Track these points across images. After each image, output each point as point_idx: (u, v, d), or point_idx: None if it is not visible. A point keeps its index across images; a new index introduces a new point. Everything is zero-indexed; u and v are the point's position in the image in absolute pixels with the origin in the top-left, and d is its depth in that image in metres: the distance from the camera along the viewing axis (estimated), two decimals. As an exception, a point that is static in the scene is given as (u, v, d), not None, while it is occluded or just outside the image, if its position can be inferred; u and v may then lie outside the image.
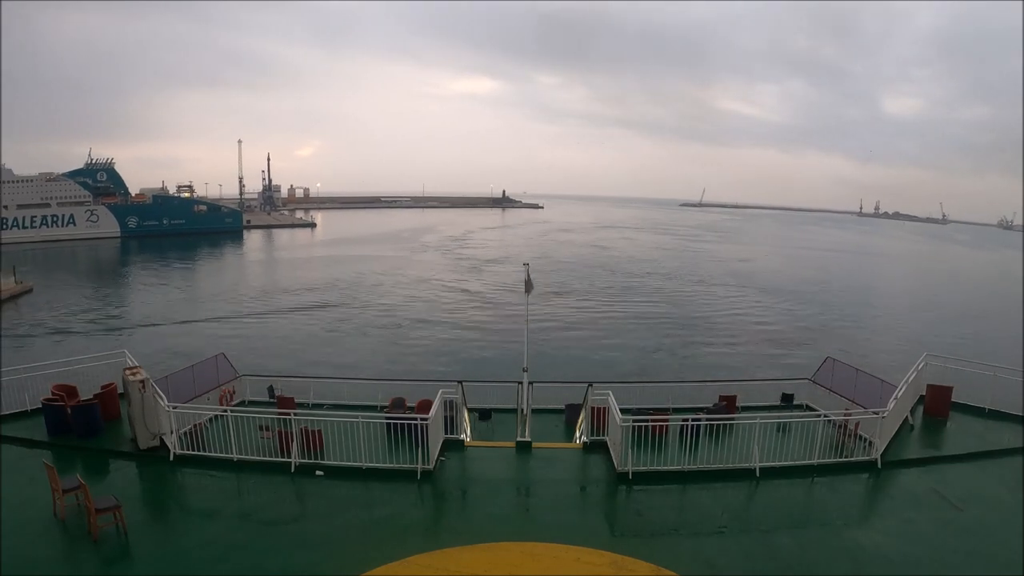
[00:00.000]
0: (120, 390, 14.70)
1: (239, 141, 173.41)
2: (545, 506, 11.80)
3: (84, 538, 9.85)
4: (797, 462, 12.76)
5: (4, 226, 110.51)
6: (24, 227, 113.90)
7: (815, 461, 12.84)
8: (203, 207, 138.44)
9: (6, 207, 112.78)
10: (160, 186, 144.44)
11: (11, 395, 15.09)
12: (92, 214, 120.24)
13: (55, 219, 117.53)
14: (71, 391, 15.09)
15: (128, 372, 13.47)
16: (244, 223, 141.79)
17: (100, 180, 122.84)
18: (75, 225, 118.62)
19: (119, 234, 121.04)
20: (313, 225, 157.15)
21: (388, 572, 9.16)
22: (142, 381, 13.14)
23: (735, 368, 39.93)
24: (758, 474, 12.57)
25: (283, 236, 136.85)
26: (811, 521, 11.36)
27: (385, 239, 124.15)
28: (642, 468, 12.53)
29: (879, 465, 13.06)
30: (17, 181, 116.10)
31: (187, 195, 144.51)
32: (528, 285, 16.36)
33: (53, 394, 14.65)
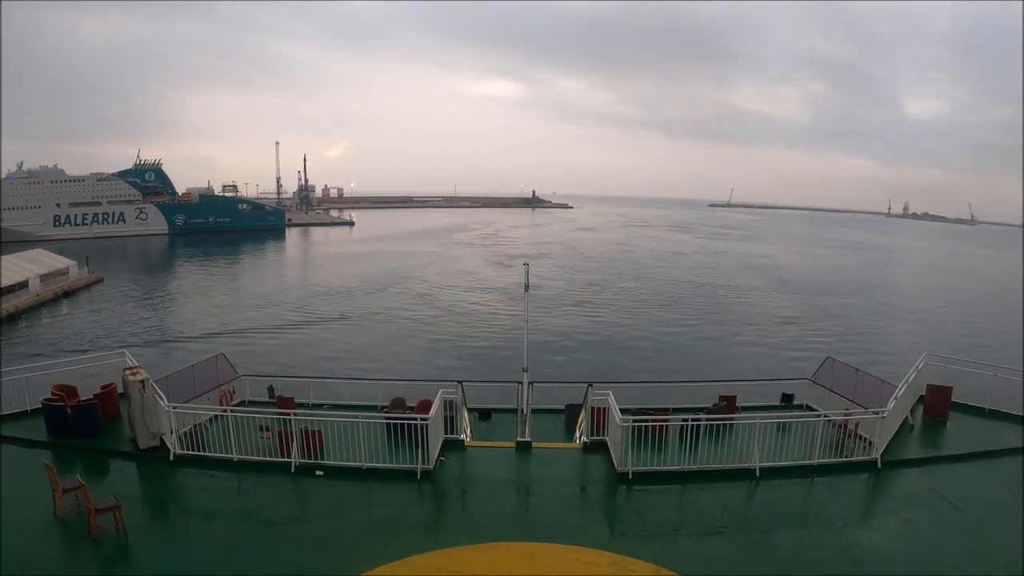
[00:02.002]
0: (120, 390, 14.71)
1: (276, 143, 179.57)
2: (545, 506, 11.80)
3: (84, 538, 9.85)
4: (797, 462, 12.75)
5: (57, 223, 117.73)
6: (76, 224, 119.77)
7: (815, 461, 12.83)
8: (247, 206, 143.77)
9: (58, 205, 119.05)
10: (206, 185, 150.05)
11: (11, 395, 15.10)
12: (141, 212, 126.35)
13: (106, 216, 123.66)
14: (71, 391, 15.08)
15: (128, 372, 13.47)
16: (286, 221, 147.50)
17: (148, 180, 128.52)
18: (125, 222, 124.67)
19: (167, 231, 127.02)
20: (351, 223, 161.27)
21: (388, 572, 9.16)
22: (142, 381, 13.14)
23: (737, 364, 40.34)
24: (758, 474, 12.56)
25: (324, 234, 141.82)
26: (811, 521, 11.34)
27: (422, 237, 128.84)
28: (642, 468, 12.53)
29: (879, 465, 13.06)
30: (69, 181, 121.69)
31: (231, 194, 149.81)
32: (527, 285, 16.37)
33: (53, 394, 14.64)
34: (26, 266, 60.61)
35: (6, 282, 54.59)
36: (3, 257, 59.38)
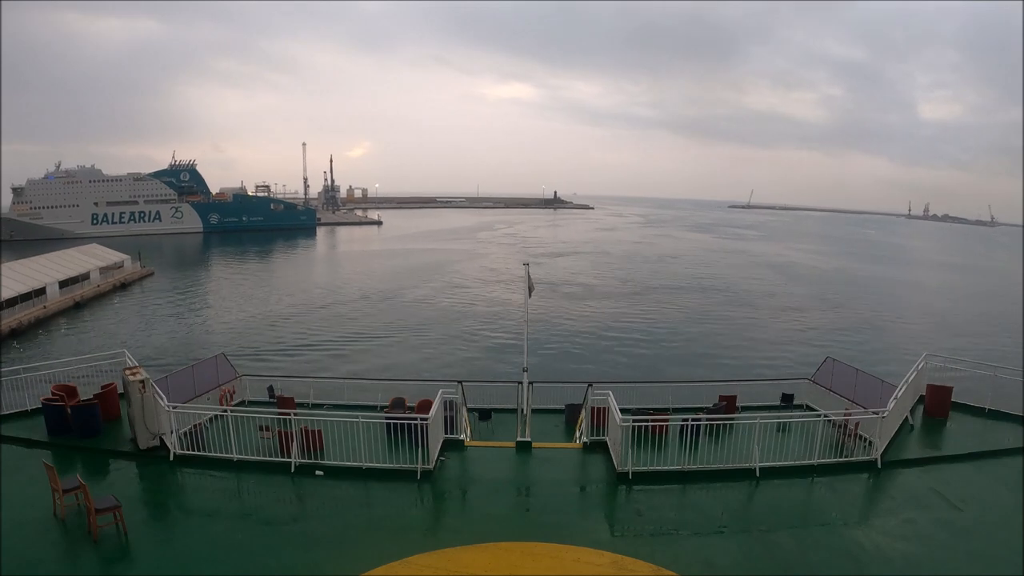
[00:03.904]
0: (120, 390, 14.71)
1: (303, 144, 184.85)
2: (545, 506, 11.79)
3: (84, 538, 9.85)
4: (797, 462, 12.76)
5: (95, 221, 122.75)
6: (113, 222, 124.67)
7: (815, 461, 12.83)
8: (280, 205, 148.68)
9: (96, 204, 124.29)
10: (238, 185, 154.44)
11: (11, 395, 15.09)
12: (177, 211, 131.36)
13: (143, 215, 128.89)
14: (71, 391, 15.08)
15: (128, 372, 13.46)
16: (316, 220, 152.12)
17: (184, 180, 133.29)
18: (161, 221, 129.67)
19: (201, 230, 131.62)
20: (379, 223, 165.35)
21: (388, 572, 9.16)
22: (142, 381, 13.13)
23: (738, 362, 40.80)
24: (758, 474, 12.56)
25: (354, 232, 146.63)
26: (811, 521, 11.35)
27: (448, 236, 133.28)
28: (642, 468, 12.53)
29: (879, 465, 13.06)
30: (107, 180, 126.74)
31: (264, 194, 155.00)
32: (529, 285, 16.33)
33: (53, 394, 14.63)
34: (86, 259, 64.93)
35: (71, 272, 59.20)
36: (65, 251, 65.21)
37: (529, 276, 16.23)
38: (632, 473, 12.43)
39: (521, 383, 14.99)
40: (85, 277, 61.11)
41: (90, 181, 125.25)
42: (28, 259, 58.56)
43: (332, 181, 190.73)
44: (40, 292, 52.45)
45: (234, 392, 17.73)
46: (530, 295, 16.30)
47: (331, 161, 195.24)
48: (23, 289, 50.46)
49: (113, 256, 70.26)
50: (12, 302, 48.11)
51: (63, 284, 56.52)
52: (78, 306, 55.26)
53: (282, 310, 56.38)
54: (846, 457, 13.30)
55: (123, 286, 65.21)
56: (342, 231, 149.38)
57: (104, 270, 65.69)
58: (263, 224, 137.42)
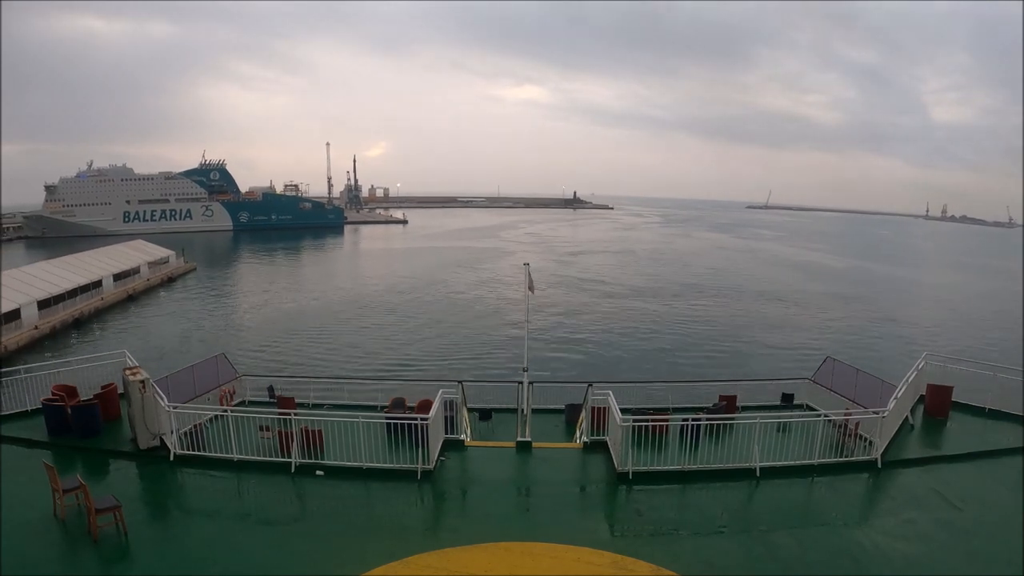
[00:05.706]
0: (120, 390, 14.70)
1: (327, 144, 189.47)
2: (545, 506, 11.79)
3: (84, 538, 9.85)
4: (797, 462, 12.75)
5: (127, 219, 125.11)
6: (144, 220, 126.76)
7: (815, 461, 12.83)
8: (308, 204, 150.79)
9: (128, 202, 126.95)
10: (268, 185, 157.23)
11: (11, 395, 15.10)
12: (207, 209, 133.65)
13: (173, 213, 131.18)
14: (71, 391, 15.07)
15: (128, 372, 13.46)
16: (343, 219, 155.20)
17: (214, 179, 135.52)
18: (191, 219, 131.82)
19: (231, 228, 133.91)
20: (405, 222, 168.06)
21: (388, 572, 9.16)
22: (142, 381, 13.13)
23: (739, 362, 40.93)
24: (758, 474, 12.56)
25: (381, 231, 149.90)
26: (811, 521, 11.34)
27: (473, 235, 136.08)
28: (642, 468, 12.53)
29: (879, 465, 13.05)
30: (139, 179, 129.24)
31: (292, 193, 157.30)
32: (529, 284, 16.34)
33: (53, 394, 14.63)
34: (135, 254, 68.66)
35: (123, 267, 62.74)
36: (114, 246, 68.65)
37: (529, 275, 16.24)
38: (632, 473, 12.42)
39: (521, 383, 14.99)
40: (136, 271, 64.55)
41: (122, 180, 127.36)
42: (82, 253, 61.67)
43: (355, 180, 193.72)
44: (97, 284, 55.39)
45: (234, 392, 17.72)
46: (533, 292, 16.32)
47: (354, 161, 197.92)
48: (82, 281, 53.26)
49: (159, 251, 73.50)
50: (73, 293, 50.91)
51: (117, 277, 59.74)
52: (131, 298, 58.36)
53: (329, 306, 58.06)
54: (846, 457, 13.30)
55: (169, 280, 68.94)
56: (369, 229, 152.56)
57: (152, 265, 68.94)
58: (292, 223, 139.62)
